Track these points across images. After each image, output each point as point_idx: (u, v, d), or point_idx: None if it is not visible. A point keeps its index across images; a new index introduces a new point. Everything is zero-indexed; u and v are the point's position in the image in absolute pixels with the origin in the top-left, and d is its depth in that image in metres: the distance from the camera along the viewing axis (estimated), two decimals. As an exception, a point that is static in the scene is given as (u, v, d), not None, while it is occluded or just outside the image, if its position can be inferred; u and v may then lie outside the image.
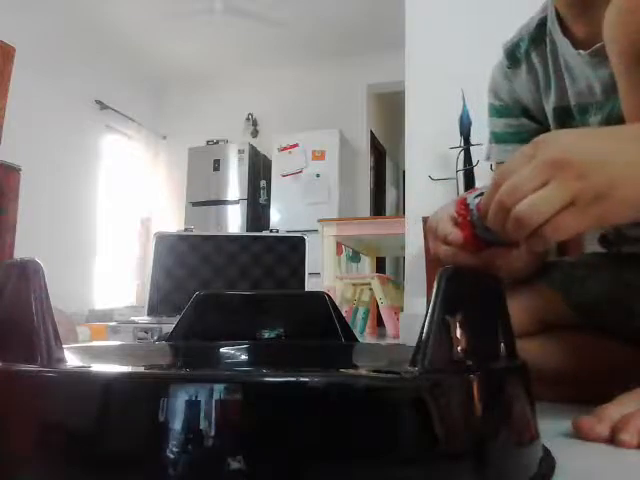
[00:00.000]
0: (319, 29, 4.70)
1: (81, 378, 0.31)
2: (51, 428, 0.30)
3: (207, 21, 4.42)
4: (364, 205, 5.21)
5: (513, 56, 0.86)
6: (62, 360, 0.33)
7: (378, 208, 5.77)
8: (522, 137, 0.88)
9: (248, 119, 5.57)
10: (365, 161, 5.29)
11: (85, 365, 0.34)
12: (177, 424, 0.28)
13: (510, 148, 0.89)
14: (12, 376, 0.33)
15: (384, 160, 6.16)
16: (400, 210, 5.91)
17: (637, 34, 0.54)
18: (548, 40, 0.80)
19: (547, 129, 0.86)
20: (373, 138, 5.51)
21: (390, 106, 5.58)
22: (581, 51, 0.72)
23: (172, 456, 0.28)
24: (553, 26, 0.78)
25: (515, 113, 0.89)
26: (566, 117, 0.79)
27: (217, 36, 4.78)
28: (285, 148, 4.92)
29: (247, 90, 5.48)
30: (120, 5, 4.25)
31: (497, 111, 0.91)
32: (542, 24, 0.81)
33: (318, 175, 4.77)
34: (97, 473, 0.29)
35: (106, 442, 0.29)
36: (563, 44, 0.76)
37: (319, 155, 4.82)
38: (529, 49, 0.83)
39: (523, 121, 0.88)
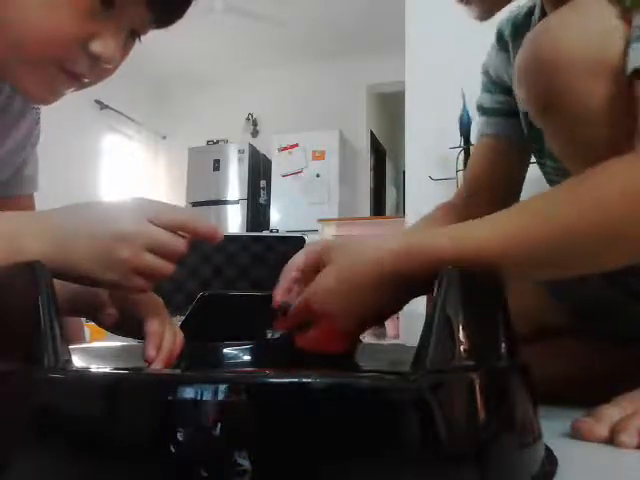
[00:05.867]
0: (319, 29, 4.71)
1: (89, 380, 0.32)
2: (58, 429, 0.31)
3: (207, 21, 4.42)
4: (364, 205, 5.21)
5: (501, 39, 0.83)
6: (69, 362, 0.33)
7: (378, 208, 5.77)
8: (506, 112, 0.85)
9: (248, 119, 5.58)
10: (365, 161, 5.29)
11: (92, 367, 0.34)
12: (183, 425, 0.28)
13: (492, 121, 0.87)
14: (19, 377, 0.33)
15: (384, 160, 6.16)
16: (400, 210, 5.91)
17: (536, 91, 0.55)
18: None
19: None
20: (373, 138, 5.51)
21: (390, 106, 5.58)
22: None
23: (177, 457, 0.28)
24: (536, 20, 0.72)
25: (499, 90, 0.86)
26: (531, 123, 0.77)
27: (217, 36, 4.78)
28: (285, 148, 4.92)
29: (247, 90, 5.48)
30: (120, 5, 4.24)
31: (484, 86, 0.89)
32: (530, 14, 0.75)
33: (318, 175, 4.78)
34: (102, 474, 0.29)
35: (113, 443, 0.29)
36: None
37: (319, 155, 4.82)
38: (510, 40, 0.79)
39: (508, 98, 0.85)
